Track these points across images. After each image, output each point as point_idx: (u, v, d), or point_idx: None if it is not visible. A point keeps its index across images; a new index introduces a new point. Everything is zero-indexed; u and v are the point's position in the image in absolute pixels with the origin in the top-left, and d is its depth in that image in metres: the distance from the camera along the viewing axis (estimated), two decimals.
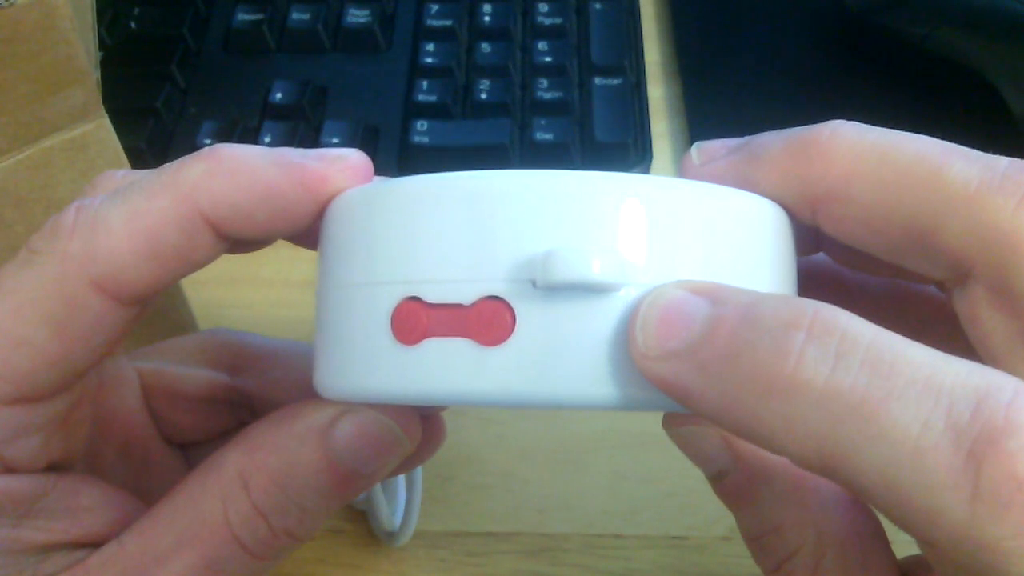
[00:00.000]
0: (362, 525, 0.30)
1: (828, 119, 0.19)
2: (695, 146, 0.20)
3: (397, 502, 0.30)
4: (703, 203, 0.17)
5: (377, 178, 0.20)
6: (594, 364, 0.16)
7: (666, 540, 0.30)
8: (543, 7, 0.45)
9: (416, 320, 0.17)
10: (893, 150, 0.17)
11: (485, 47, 0.43)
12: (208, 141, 0.40)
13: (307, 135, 0.40)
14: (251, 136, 0.41)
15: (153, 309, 0.23)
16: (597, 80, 0.42)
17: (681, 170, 0.20)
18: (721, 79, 0.43)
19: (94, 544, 0.19)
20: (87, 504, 0.20)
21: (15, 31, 0.22)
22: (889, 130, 0.18)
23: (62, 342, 0.19)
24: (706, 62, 0.44)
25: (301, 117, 0.41)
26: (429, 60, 0.43)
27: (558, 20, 0.44)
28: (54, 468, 0.20)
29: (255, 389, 0.25)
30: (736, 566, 0.30)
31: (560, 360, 0.16)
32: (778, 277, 0.18)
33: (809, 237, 0.20)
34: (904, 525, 0.15)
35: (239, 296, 0.37)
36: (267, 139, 0.40)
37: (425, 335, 0.17)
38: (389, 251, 0.18)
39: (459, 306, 0.17)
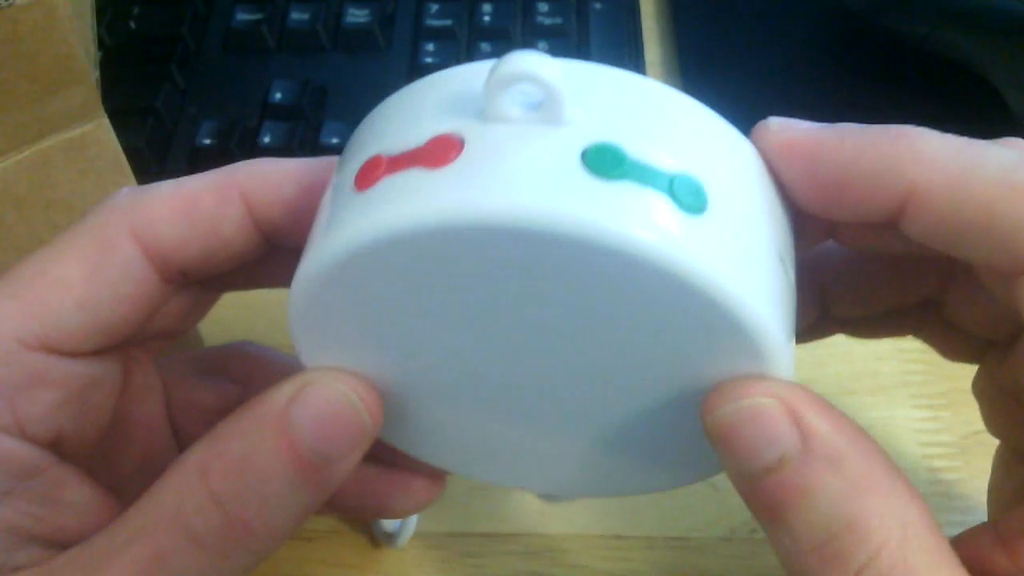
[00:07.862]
0: (361, 526, 0.30)
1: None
2: (772, 118, 0.19)
3: None
4: (678, 103, 0.18)
5: None
6: (539, 178, 0.16)
7: (666, 541, 0.30)
8: (543, 7, 0.45)
9: (375, 169, 0.17)
10: (977, 158, 0.17)
11: (485, 47, 0.43)
12: (207, 141, 0.40)
13: (307, 135, 0.40)
14: (250, 136, 0.40)
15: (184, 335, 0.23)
16: None
17: (754, 136, 0.19)
18: (722, 79, 0.43)
19: (67, 543, 0.19)
20: (70, 499, 0.20)
21: (14, 31, 0.22)
22: (964, 138, 0.18)
23: (91, 284, 0.19)
24: (707, 62, 0.44)
25: (301, 117, 0.41)
26: (429, 60, 0.43)
27: (558, 20, 0.44)
28: (56, 448, 0.20)
29: None
30: (736, 567, 0.30)
31: (504, 173, 0.16)
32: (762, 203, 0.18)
33: (820, 224, 0.20)
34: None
35: (237, 296, 0.36)
36: (266, 139, 0.40)
37: (381, 177, 0.17)
38: (367, 137, 0.18)
39: (412, 149, 0.17)
